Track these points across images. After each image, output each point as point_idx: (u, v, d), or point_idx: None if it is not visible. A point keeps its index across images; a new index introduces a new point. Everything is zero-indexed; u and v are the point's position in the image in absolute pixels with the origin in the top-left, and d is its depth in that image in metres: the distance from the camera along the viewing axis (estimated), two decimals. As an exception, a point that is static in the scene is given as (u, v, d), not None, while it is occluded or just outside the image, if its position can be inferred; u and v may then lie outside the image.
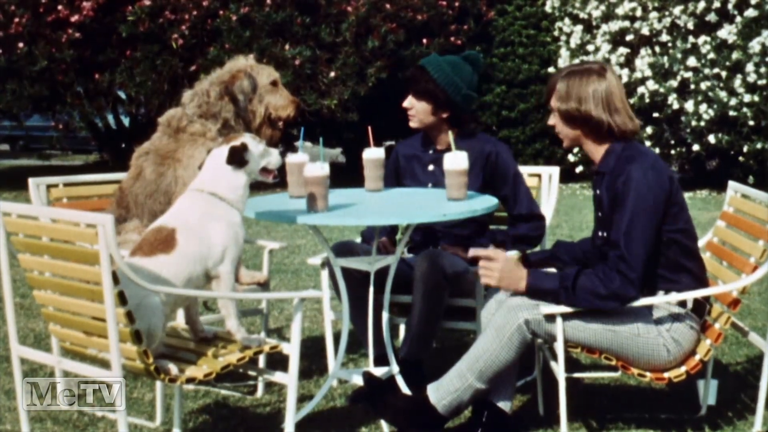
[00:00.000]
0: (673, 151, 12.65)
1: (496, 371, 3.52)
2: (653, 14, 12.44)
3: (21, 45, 12.50)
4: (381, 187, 4.07)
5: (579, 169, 13.30)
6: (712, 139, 11.94)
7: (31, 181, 4.21)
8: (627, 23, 12.69)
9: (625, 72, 12.54)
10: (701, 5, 12.01)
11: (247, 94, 4.23)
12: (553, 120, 3.65)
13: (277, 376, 3.53)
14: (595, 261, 3.73)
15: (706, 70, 11.86)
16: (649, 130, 12.47)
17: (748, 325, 4.12)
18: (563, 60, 13.44)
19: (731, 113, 11.63)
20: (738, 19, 11.79)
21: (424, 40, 13.42)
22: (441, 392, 3.55)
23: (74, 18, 12.52)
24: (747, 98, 11.53)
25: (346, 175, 8.23)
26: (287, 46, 12.52)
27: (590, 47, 13.09)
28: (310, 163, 3.56)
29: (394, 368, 3.84)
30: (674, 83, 12.13)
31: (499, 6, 14.27)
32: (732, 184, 4.09)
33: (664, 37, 12.43)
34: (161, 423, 3.92)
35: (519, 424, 3.79)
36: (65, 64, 12.72)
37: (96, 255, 3.01)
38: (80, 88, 13.58)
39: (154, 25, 12.51)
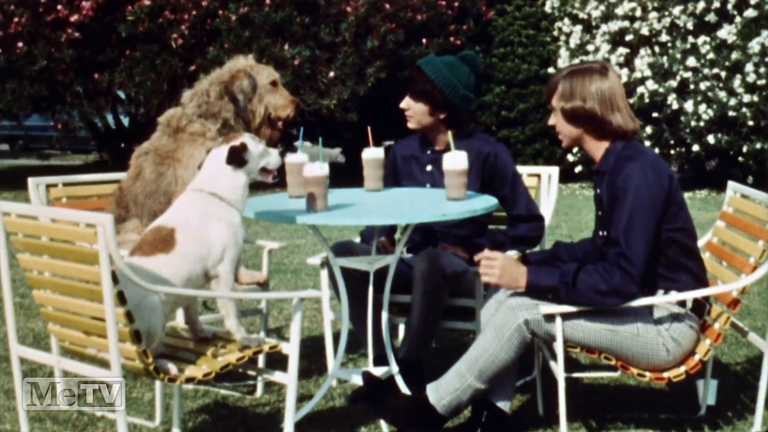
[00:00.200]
0: (672, 151, 12.65)
1: (495, 371, 3.52)
2: (653, 14, 12.44)
3: (20, 45, 12.50)
4: (381, 187, 4.07)
5: (578, 169, 13.30)
6: (711, 139, 11.94)
7: (31, 181, 4.21)
8: (626, 23, 12.69)
9: (624, 72, 12.54)
10: (701, 5, 12.01)
11: (247, 93, 4.23)
12: (554, 119, 3.65)
13: (277, 376, 3.53)
14: (595, 261, 3.73)
15: (706, 70, 11.87)
16: (648, 130, 12.47)
17: (747, 325, 4.12)
18: (563, 60, 13.44)
19: (731, 113, 11.63)
20: (737, 19, 11.79)
21: (424, 40, 13.42)
22: (440, 392, 3.55)
23: (74, 18, 12.52)
24: (746, 98, 11.54)
25: (346, 175, 8.23)
26: (286, 46, 12.52)
27: (590, 47, 13.09)
28: (309, 163, 3.56)
29: (394, 368, 3.84)
30: (674, 83, 12.13)
31: (499, 6, 14.27)
32: (731, 184, 4.09)
33: (664, 37, 12.43)
34: (161, 423, 3.92)
35: (518, 424, 3.79)
36: (65, 63, 12.72)
37: (95, 255, 3.01)
38: (80, 87, 13.58)
39: (154, 24, 12.51)
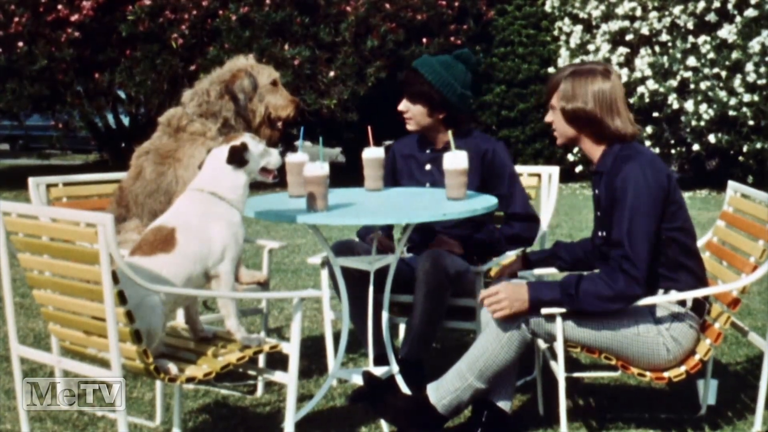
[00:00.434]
0: (673, 151, 12.65)
1: (495, 371, 3.52)
2: (653, 14, 12.44)
3: (21, 44, 12.50)
4: (381, 187, 4.07)
5: (579, 168, 13.31)
6: (711, 138, 11.94)
7: (31, 181, 4.21)
8: (627, 23, 12.69)
9: (625, 72, 12.55)
10: (701, 5, 12.01)
11: (248, 93, 4.23)
12: (551, 117, 3.64)
13: (277, 376, 3.53)
14: (595, 261, 3.73)
15: (706, 70, 11.87)
16: (649, 129, 12.47)
17: (747, 325, 4.12)
18: (563, 60, 13.44)
19: (731, 113, 11.63)
20: (738, 18, 11.79)
21: (424, 40, 13.42)
22: (441, 392, 3.55)
23: (74, 17, 12.53)
24: (747, 98, 11.54)
25: (346, 174, 8.23)
26: (287, 46, 12.53)
27: (590, 47, 13.09)
28: (309, 163, 3.56)
29: (394, 368, 3.84)
30: (674, 83, 12.14)
31: (499, 6, 14.27)
32: (732, 184, 4.09)
33: (664, 37, 12.43)
34: (161, 422, 3.92)
35: (519, 423, 3.79)
36: (65, 63, 12.72)
37: (96, 254, 3.01)
38: (80, 87, 13.58)
39: (154, 24, 12.52)
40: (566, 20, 13.65)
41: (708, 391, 3.89)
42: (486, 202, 3.77)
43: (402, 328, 4.64)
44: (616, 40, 12.86)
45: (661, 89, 12.19)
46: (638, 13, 12.61)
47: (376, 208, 3.77)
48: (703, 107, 11.80)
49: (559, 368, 3.53)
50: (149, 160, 4.23)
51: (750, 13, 11.66)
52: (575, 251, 3.91)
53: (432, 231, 4.28)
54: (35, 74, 12.71)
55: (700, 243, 3.81)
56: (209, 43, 12.65)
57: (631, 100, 12.38)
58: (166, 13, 12.52)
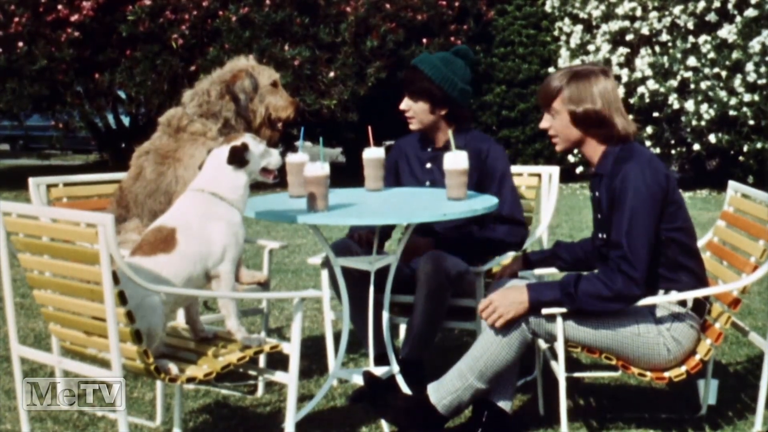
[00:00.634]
0: (673, 151, 12.65)
1: (496, 371, 3.52)
2: (653, 14, 12.44)
3: (21, 44, 12.50)
4: (381, 187, 4.07)
5: (579, 169, 13.31)
6: (712, 138, 11.94)
7: (31, 181, 4.21)
8: (627, 23, 12.69)
9: (625, 72, 12.55)
10: (701, 5, 12.01)
11: (249, 93, 4.23)
12: (549, 123, 3.61)
13: (278, 376, 3.53)
14: (595, 261, 3.73)
15: (706, 70, 11.87)
16: (649, 130, 12.47)
17: (748, 325, 4.12)
18: (563, 60, 13.44)
19: (731, 113, 11.63)
20: (738, 18, 11.79)
21: (424, 40, 13.42)
22: (441, 392, 3.55)
23: (74, 17, 12.53)
24: (747, 98, 11.54)
25: (346, 174, 8.23)
26: (287, 47, 12.53)
27: (590, 47, 13.09)
28: (310, 163, 3.56)
29: (395, 368, 3.84)
30: (674, 83, 12.14)
31: (499, 6, 14.27)
32: (732, 184, 4.08)
33: (664, 37, 12.43)
34: (161, 423, 3.92)
35: (519, 423, 3.79)
36: (65, 63, 12.72)
37: (96, 255, 3.01)
38: (80, 87, 13.59)
39: (154, 24, 12.52)
40: (566, 20, 13.65)
41: (708, 391, 3.89)
42: (486, 201, 3.77)
43: (402, 328, 4.64)
44: (616, 40, 12.86)
45: (662, 89, 12.19)
46: (638, 13, 12.61)
47: (377, 208, 3.77)
48: (704, 107, 11.80)
49: (559, 368, 3.53)
50: (149, 161, 4.23)
51: (750, 12, 11.66)
52: (575, 251, 3.91)
53: (432, 231, 4.27)
54: (35, 74, 12.71)
55: (700, 243, 3.81)
56: (209, 44, 12.65)
57: (631, 100, 12.38)
58: (166, 13, 12.52)
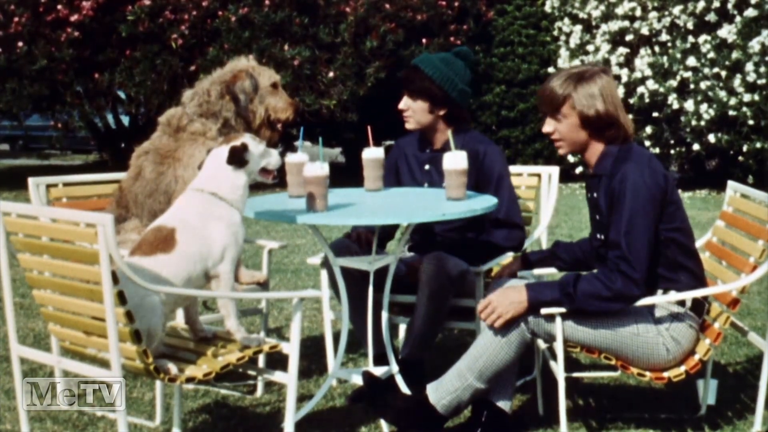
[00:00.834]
0: (672, 151, 12.65)
1: (495, 371, 3.52)
2: (653, 14, 12.44)
3: (21, 44, 12.50)
4: (380, 187, 4.07)
5: (579, 169, 13.31)
6: (711, 138, 11.94)
7: (31, 181, 4.21)
8: (626, 23, 12.69)
9: (624, 72, 12.55)
10: (701, 5, 12.01)
11: (249, 94, 4.23)
12: (552, 127, 3.58)
13: (277, 376, 3.53)
14: (593, 262, 3.73)
15: (706, 70, 11.87)
16: (648, 130, 12.47)
17: (747, 325, 4.12)
18: (563, 60, 13.44)
19: (731, 113, 11.63)
20: (738, 18, 11.79)
21: (424, 40, 13.42)
22: (440, 392, 3.55)
23: (74, 17, 12.53)
24: (747, 98, 11.54)
25: (346, 175, 8.22)
26: (286, 47, 12.53)
27: (590, 47, 13.09)
28: (309, 163, 3.56)
29: (394, 368, 3.84)
30: (674, 83, 12.14)
31: (499, 6, 14.27)
32: (731, 184, 4.09)
33: (664, 37, 12.43)
34: (161, 422, 3.92)
35: (519, 423, 3.79)
36: (65, 63, 12.72)
37: (96, 255, 3.01)
38: (80, 87, 13.59)
39: (154, 24, 12.52)
40: (566, 20, 13.65)
41: (708, 391, 3.89)
42: (486, 202, 3.77)
43: (402, 328, 4.65)
44: (616, 40, 12.86)
45: (661, 89, 12.19)
46: (638, 13, 12.61)
47: (376, 209, 3.77)
48: (703, 107, 11.80)
49: (558, 368, 3.53)
50: (149, 160, 4.23)
51: (750, 12, 11.66)
52: (574, 251, 3.91)
53: (432, 231, 4.27)
54: (35, 74, 12.72)
55: (699, 243, 3.81)
56: (209, 44, 12.65)
57: (631, 100, 12.38)
58: (166, 13, 12.52)
